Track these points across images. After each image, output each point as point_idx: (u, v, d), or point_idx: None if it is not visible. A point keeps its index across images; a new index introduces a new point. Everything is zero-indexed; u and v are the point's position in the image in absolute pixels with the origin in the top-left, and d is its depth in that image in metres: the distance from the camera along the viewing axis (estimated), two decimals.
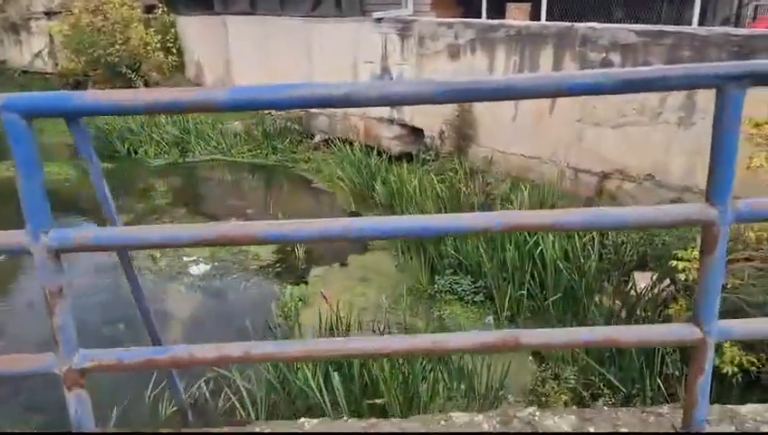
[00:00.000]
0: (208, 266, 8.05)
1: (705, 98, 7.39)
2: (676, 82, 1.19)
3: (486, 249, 7.06)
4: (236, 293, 7.48)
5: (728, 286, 4.54)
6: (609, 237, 7.30)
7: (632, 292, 6.34)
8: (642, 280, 6.82)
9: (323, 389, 4.30)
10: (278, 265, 8.09)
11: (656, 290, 6.15)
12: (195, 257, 8.34)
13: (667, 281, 6.24)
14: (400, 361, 4.72)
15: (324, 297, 7.26)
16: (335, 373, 4.36)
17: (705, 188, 1.32)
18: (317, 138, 13.29)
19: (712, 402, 1.56)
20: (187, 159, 13.07)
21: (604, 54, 8.30)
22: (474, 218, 1.30)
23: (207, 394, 5.55)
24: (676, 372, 5.12)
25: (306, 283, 7.62)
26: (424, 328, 6.31)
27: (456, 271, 7.24)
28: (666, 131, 7.64)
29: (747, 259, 4.62)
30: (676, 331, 1.42)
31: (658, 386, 5.16)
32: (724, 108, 1.23)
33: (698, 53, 7.45)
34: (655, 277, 6.30)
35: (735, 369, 4.37)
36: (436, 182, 9.01)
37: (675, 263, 5.05)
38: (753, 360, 4.47)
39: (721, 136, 1.24)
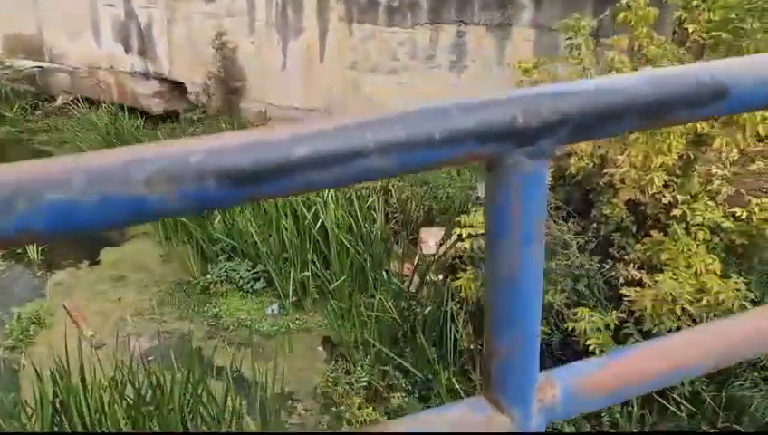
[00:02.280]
0: None
1: (475, 37, 7.05)
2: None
3: (260, 228, 6.14)
4: None
5: None
6: (394, 195, 6.80)
7: (423, 255, 5.92)
8: (431, 237, 6.44)
9: None
10: (4, 276, 6.39)
11: (443, 250, 5.78)
12: None
13: (455, 238, 5.91)
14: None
15: (68, 312, 5.88)
16: None
17: None
18: (59, 100, 11.04)
19: None
20: None
21: None
22: None
23: None
24: (471, 346, 4.78)
25: (43, 295, 6.09)
26: (191, 332, 5.31)
27: (230, 256, 6.25)
28: (440, 77, 7.22)
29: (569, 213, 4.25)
30: None
31: (454, 362, 4.80)
32: (509, 201, 0.47)
33: None
34: (441, 237, 5.93)
35: None
36: None
37: (458, 231, 4.58)
38: (543, 328, 4.20)
39: (506, 262, 0.49)
